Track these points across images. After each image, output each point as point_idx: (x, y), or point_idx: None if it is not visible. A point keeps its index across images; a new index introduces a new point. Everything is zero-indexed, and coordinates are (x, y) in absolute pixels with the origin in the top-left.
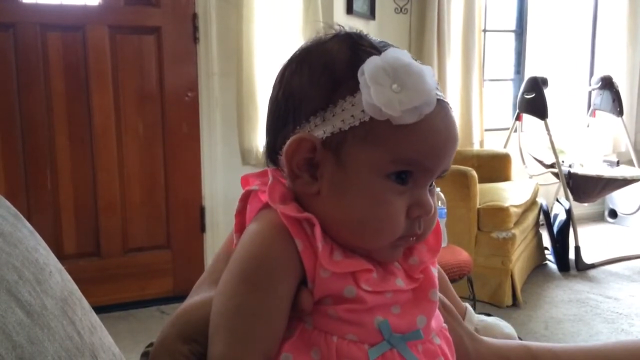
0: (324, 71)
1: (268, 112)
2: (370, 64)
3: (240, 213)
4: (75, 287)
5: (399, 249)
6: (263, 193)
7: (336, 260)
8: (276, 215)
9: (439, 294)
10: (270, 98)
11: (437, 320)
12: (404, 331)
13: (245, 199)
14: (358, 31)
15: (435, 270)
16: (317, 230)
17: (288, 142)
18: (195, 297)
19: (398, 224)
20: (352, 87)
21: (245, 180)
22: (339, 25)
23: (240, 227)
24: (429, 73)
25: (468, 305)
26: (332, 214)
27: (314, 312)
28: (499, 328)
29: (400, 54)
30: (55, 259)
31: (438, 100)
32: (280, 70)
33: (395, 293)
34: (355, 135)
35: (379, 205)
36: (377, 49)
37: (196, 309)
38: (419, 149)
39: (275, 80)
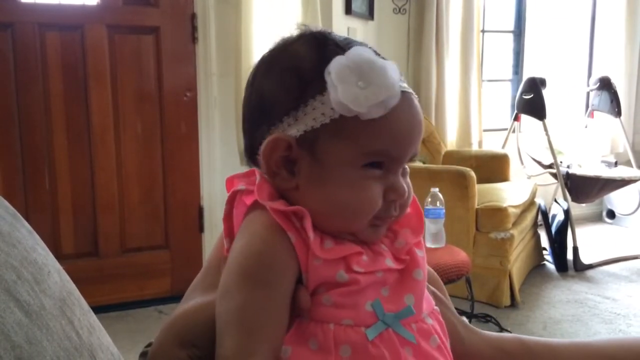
0: (292, 73)
1: (243, 116)
2: (336, 64)
3: (227, 217)
4: (73, 287)
5: (380, 228)
6: (248, 195)
7: (327, 247)
8: (267, 216)
9: (430, 286)
10: (244, 101)
11: (428, 302)
12: (394, 310)
13: (231, 201)
14: (322, 30)
15: (420, 252)
16: (307, 222)
17: (264, 143)
18: (190, 302)
19: (375, 204)
20: (321, 86)
21: (230, 182)
22: (304, 25)
23: (229, 232)
24: (392, 67)
25: (464, 318)
26: (313, 205)
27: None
28: None
29: (363, 51)
30: (54, 259)
31: (402, 92)
32: (251, 74)
33: (385, 272)
34: (327, 131)
35: (356, 190)
36: (341, 48)
37: (192, 314)
38: (387, 141)
39: (247, 84)
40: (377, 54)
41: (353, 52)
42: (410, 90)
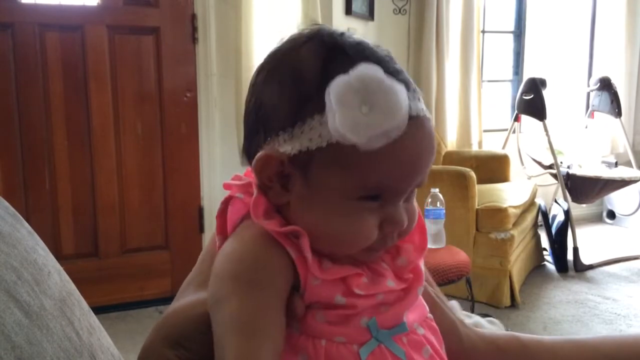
0: (293, 86)
1: (244, 116)
2: (338, 84)
3: (221, 215)
4: (73, 287)
5: (377, 253)
6: (246, 200)
7: (326, 268)
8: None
9: (429, 288)
10: (245, 102)
11: (420, 311)
12: (389, 326)
13: (226, 201)
14: (334, 32)
15: (422, 265)
16: (305, 242)
17: (256, 158)
18: (182, 300)
19: (369, 237)
20: (322, 104)
21: (228, 187)
22: (316, 24)
23: (221, 229)
24: (404, 92)
25: (455, 303)
26: (303, 226)
27: (301, 317)
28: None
29: (372, 70)
30: (54, 260)
31: (416, 117)
32: (254, 75)
33: (386, 294)
34: (322, 156)
35: (348, 222)
36: (349, 61)
37: (182, 312)
38: (389, 174)
39: (250, 83)
40: (391, 69)
41: (360, 69)
42: (424, 113)
